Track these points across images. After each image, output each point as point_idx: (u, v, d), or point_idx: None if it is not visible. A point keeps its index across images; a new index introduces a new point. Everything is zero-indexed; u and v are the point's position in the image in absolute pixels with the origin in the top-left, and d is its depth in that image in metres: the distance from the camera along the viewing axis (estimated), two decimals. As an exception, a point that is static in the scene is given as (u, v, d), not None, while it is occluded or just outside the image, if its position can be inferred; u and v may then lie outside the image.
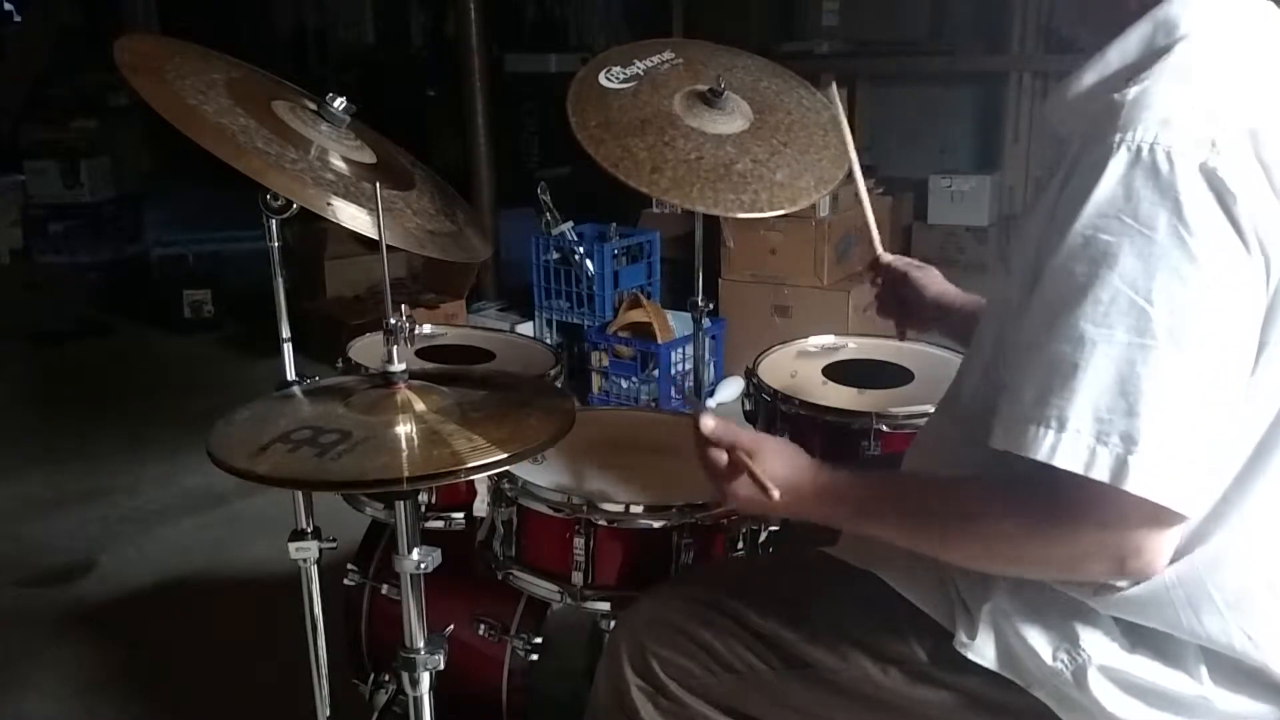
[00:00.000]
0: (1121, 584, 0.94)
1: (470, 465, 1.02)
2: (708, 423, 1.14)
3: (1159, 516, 0.86)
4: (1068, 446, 0.86)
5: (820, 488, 1.08)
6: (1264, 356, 0.89)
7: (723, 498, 1.15)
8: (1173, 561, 0.93)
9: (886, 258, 1.57)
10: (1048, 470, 0.88)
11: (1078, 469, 0.86)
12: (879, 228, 1.61)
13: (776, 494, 1.07)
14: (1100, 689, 0.98)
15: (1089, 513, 0.88)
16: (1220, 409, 0.86)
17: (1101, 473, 0.85)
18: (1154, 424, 0.84)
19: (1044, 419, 0.87)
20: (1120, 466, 0.84)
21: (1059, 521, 0.90)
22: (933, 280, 1.53)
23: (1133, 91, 0.89)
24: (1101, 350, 0.85)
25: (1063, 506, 0.89)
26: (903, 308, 1.55)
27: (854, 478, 1.10)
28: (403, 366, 1.14)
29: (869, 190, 1.66)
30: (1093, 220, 0.87)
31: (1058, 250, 0.89)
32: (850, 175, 1.62)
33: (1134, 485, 0.84)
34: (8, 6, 8.14)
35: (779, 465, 1.10)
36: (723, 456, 1.13)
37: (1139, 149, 0.85)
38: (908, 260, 1.56)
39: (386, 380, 1.14)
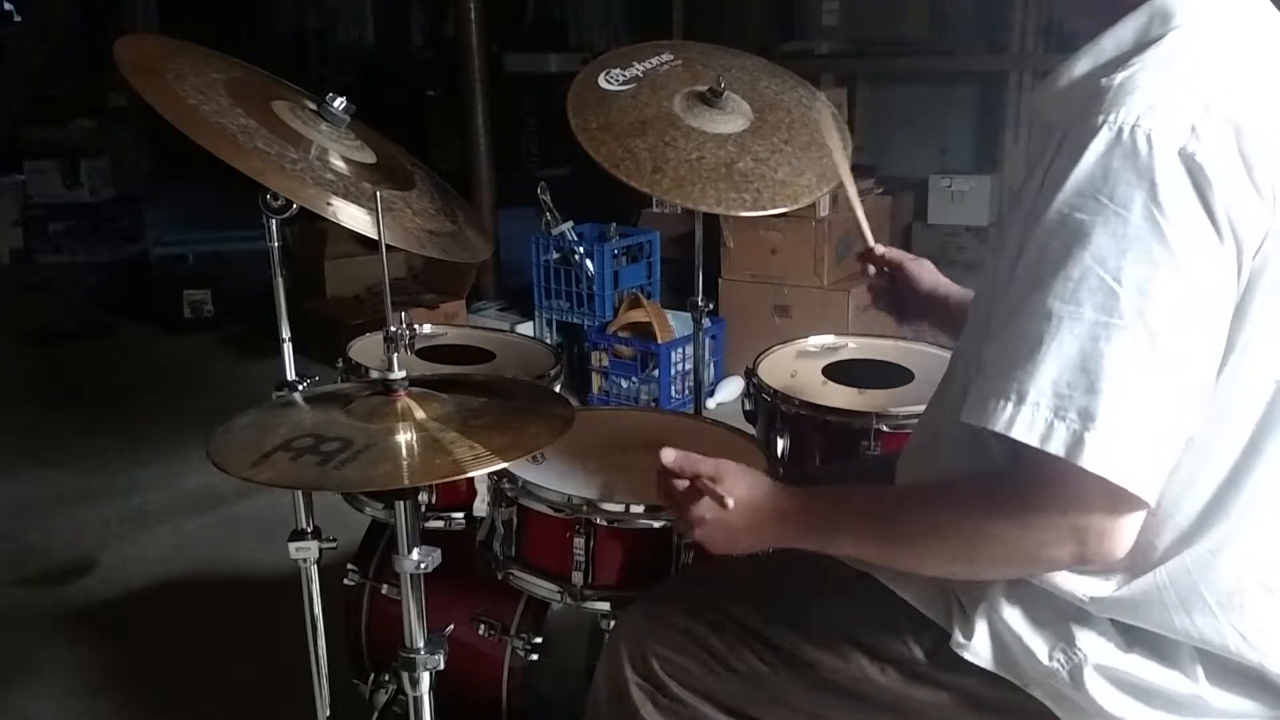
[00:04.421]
0: (1098, 578, 0.95)
1: (471, 475, 1.02)
2: (667, 455, 1.14)
3: (1117, 497, 0.86)
4: (1025, 419, 0.87)
5: (783, 507, 1.09)
6: (1239, 351, 0.89)
7: (686, 529, 1.14)
8: (1163, 562, 0.93)
9: (880, 249, 1.56)
10: (1014, 457, 0.89)
11: (1033, 442, 0.86)
12: (871, 223, 1.61)
13: (731, 502, 1.07)
14: (1097, 688, 0.98)
15: (1046, 492, 0.89)
16: (1184, 394, 0.86)
17: (1058, 447, 0.85)
18: (1113, 402, 0.84)
19: (1005, 392, 0.88)
20: (1076, 442, 0.85)
21: (1018, 504, 0.91)
22: (927, 272, 1.53)
23: (1120, 75, 0.89)
24: (1067, 326, 0.86)
25: (1022, 488, 0.90)
26: (898, 301, 1.55)
27: (818, 495, 1.10)
28: (403, 374, 1.14)
29: (867, 190, 1.66)
30: (1070, 199, 0.87)
31: (1036, 228, 0.89)
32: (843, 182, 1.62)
33: (1089, 462, 0.84)
34: (8, 6, 8.14)
35: (740, 487, 1.09)
36: (683, 484, 1.13)
37: (1120, 130, 0.86)
38: (901, 252, 1.56)
39: (387, 388, 1.14)
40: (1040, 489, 0.89)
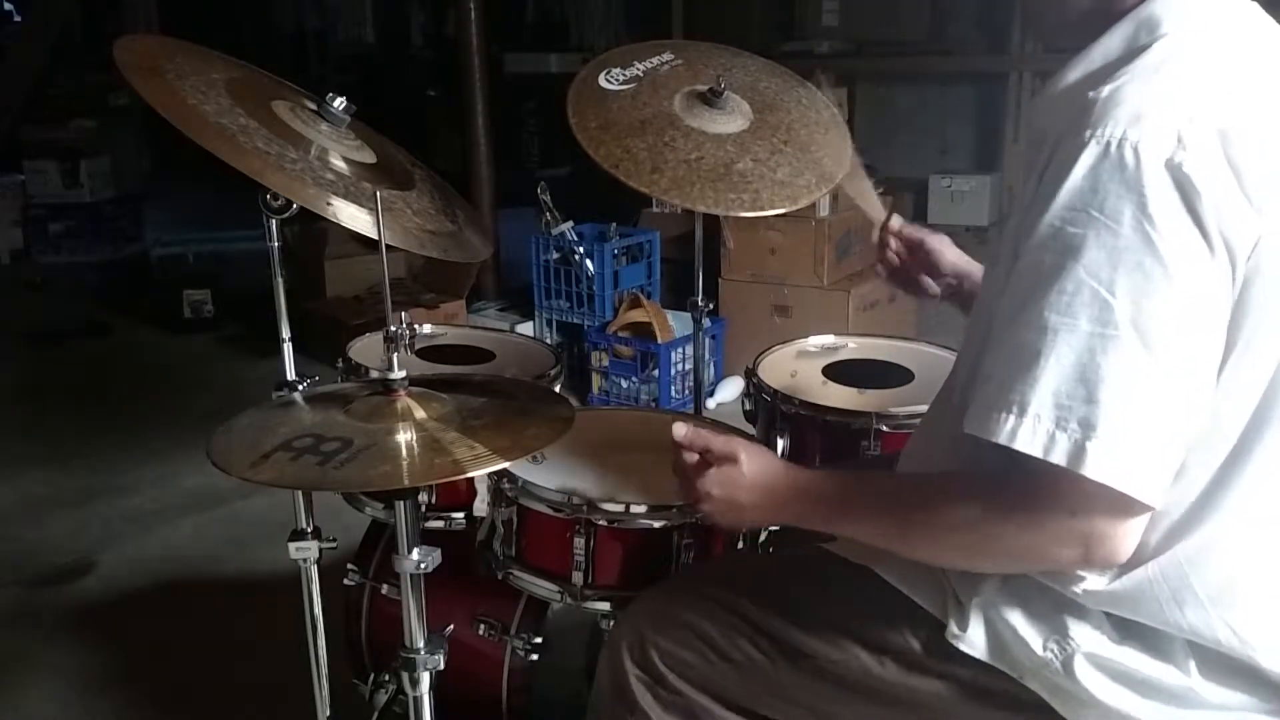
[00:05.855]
0: (1092, 573, 0.95)
1: (470, 475, 1.02)
2: (679, 429, 1.17)
3: (1120, 503, 0.88)
4: (1027, 431, 0.88)
5: (794, 487, 1.11)
6: (1237, 354, 0.89)
7: (695, 502, 1.17)
8: (1155, 557, 0.94)
9: (896, 224, 1.53)
10: (1017, 460, 0.89)
11: (1036, 453, 0.87)
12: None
13: (744, 456, 1.10)
14: (1090, 678, 0.98)
15: (1053, 499, 0.90)
16: (1182, 401, 0.87)
17: (1060, 457, 0.86)
18: (1112, 411, 0.86)
19: (1007, 404, 0.89)
20: (1078, 452, 0.86)
21: (1026, 508, 0.92)
22: (947, 247, 1.51)
23: (1107, 88, 0.90)
24: (1064, 338, 0.87)
25: (1029, 493, 0.91)
26: (914, 280, 1.52)
27: (827, 477, 1.12)
28: (403, 374, 1.14)
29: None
30: (1061, 212, 0.88)
31: (1029, 241, 0.91)
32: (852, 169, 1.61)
33: (1092, 470, 0.86)
34: (8, 6, 8.16)
35: (753, 465, 1.12)
36: (693, 459, 1.16)
37: (1108, 143, 0.87)
38: (920, 229, 1.53)
39: (387, 388, 1.14)
40: (1045, 496, 0.90)
